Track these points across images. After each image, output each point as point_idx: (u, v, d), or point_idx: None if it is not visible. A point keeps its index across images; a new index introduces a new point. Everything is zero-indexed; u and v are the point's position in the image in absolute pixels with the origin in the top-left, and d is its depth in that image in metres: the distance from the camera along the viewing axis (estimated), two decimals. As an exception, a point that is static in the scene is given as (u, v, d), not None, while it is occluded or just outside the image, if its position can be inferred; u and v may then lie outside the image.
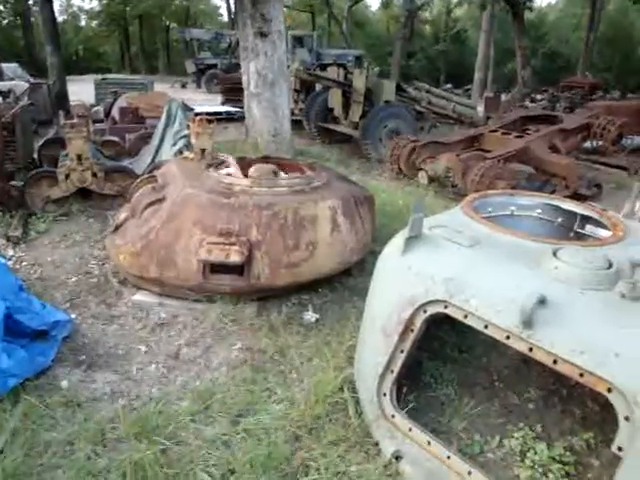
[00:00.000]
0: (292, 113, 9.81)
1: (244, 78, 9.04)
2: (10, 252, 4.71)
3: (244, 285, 3.61)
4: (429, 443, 2.30)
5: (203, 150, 4.83)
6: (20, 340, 3.01)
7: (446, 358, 3.17)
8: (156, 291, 3.83)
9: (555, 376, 2.91)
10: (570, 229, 3.22)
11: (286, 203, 3.68)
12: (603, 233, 2.90)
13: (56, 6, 17.67)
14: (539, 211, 3.30)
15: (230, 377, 3.00)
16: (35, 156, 7.26)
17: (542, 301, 1.93)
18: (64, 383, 2.90)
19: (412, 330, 2.37)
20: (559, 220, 3.25)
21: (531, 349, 1.95)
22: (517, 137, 7.92)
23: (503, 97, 19.49)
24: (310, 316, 3.69)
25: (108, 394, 2.87)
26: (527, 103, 17.56)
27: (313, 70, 11.61)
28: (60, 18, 24.18)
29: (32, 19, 37.42)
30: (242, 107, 11.86)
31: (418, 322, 2.34)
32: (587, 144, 9.41)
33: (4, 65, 14.15)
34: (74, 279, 4.23)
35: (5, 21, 42.02)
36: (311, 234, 3.71)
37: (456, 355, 3.23)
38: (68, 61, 22.87)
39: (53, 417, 2.62)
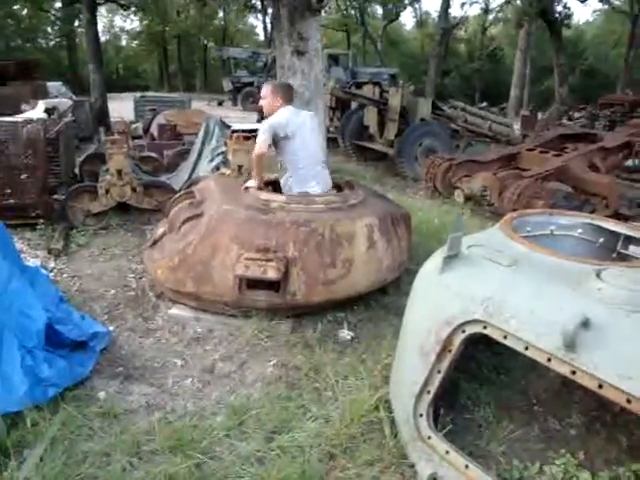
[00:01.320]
0: (327, 131, 9.86)
1: (280, 96, 9.14)
2: (52, 264, 4.83)
3: (280, 301, 3.62)
4: (467, 467, 2.25)
5: (240, 166, 4.91)
6: (60, 350, 3.06)
7: (483, 379, 3.10)
8: (192, 305, 3.87)
9: (598, 401, 2.82)
10: (613, 250, 3.14)
11: (323, 220, 3.68)
12: (648, 254, 2.83)
13: (100, 27, 18.28)
14: (580, 231, 3.22)
15: (265, 393, 3.00)
16: (76, 171, 7.47)
17: (585, 323, 1.88)
18: (101, 394, 2.94)
19: (450, 350, 2.33)
20: (601, 240, 3.17)
21: (574, 372, 1.90)
22: (555, 156, 7.79)
23: (539, 115, 19.27)
24: (345, 334, 3.67)
25: (144, 406, 2.89)
26: (565, 121, 17.32)
27: (349, 88, 11.68)
28: (103, 38, 25.05)
29: (77, 40, 38.84)
30: (277, 124, 12.00)
31: (456, 342, 2.31)
32: (629, 162, 9.20)
33: (49, 84, 14.59)
34: (112, 292, 4.31)
35: (52, 42, 43.59)
36: (347, 251, 3.70)
37: (493, 377, 3.16)
38: (109, 79, 23.56)
39: (91, 427, 2.65)
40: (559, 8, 23.82)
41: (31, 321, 2.92)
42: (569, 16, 24.78)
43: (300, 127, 4.21)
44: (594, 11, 50.22)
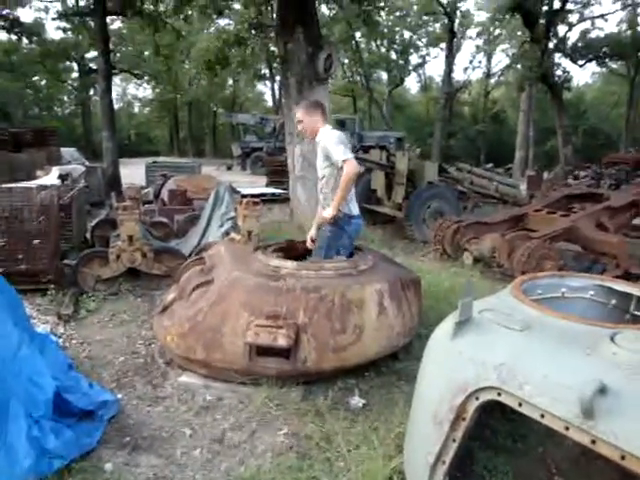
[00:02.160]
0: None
1: (289, 161, 9.35)
2: (61, 330, 4.82)
3: (290, 369, 3.57)
4: (486, 543, 2.16)
5: (250, 232, 4.96)
6: (67, 420, 3.02)
7: (499, 448, 3.01)
8: (202, 373, 3.82)
9: (621, 472, 2.72)
10: (626, 311, 3.11)
11: (333, 286, 3.68)
12: (661, 316, 2.79)
13: (113, 95, 18.99)
14: (591, 293, 3.20)
15: (275, 464, 2.92)
16: (88, 236, 7.57)
17: (603, 389, 1.84)
18: (108, 466, 2.87)
19: (464, 418, 2.27)
20: (613, 302, 3.14)
21: (594, 442, 1.84)
22: (563, 216, 7.83)
23: (545, 175, 19.52)
24: (357, 401, 3.60)
25: (152, 479, 2.82)
26: (571, 180, 17.52)
27: (356, 152, 11.89)
28: (116, 106, 26.01)
29: (91, 107, 40.32)
30: (285, 189, 12.19)
31: (470, 410, 2.25)
32: (636, 221, 9.23)
33: (63, 149, 15.02)
34: (121, 359, 4.28)
35: (67, 110, 45.25)
36: (358, 317, 3.67)
37: (509, 444, 3.07)
38: (121, 145, 24.25)
39: (96, 503, 2.58)
40: (559, 72, 24.54)
41: (40, 390, 2.90)
42: (569, 80, 25.44)
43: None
44: (593, 73, 51.66)
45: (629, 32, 29.93)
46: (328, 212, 4.23)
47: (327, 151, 4.18)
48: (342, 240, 4.32)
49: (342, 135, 4.24)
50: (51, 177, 8.47)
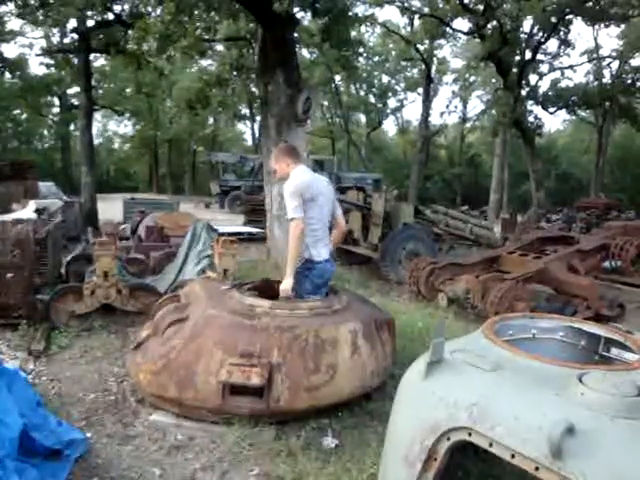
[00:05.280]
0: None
1: (267, 201, 9.42)
2: (31, 366, 4.74)
3: (263, 408, 3.55)
4: None
5: (226, 270, 4.96)
6: (33, 459, 2.95)
7: (471, 489, 3.01)
8: (174, 411, 3.77)
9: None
10: (595, 352, 3.16)
11: (307, 325, 3.70)
12: (629, 356, 2.85)
13: (94, 130, 19.05)
14: (561, 334, 3.25)
15: (246, 506, 2.88)
16: (62, 271, 7.48)
17: (570, 429, 1.87)
18: (73, 508, 2.80)
19: (435, 459, 2.28)
20: (582, 343, 3.20)
21: (564, 482, 1.86)
22: (535, 258, 7.98)
23: (519, 218, 19.90)
24: (329, 441, 3.58)
25: (119, 522, 2.76)
26: (543, 223, 17.89)
27: (333, 193, 12.01)
28: (96, 141, 25.98)
29: (71, 142, 40.22)
30: (263, 228, 12.24)
31: (442, 450, 2.26)
32: (606, 264, 9.43)
33: (41, 184, 14.95)
34: (92, 396, 4.20)
35: (47, 144, 45.08)
36: (332, 357, 3.69)
37: (482, 486, 3.07)
38: (99, 180, 24.14)
39: None
40: (531, 119, 25.31)
41: (5, 428, 2.82)
42: (540, 126, 26.24)
43: (320, 192, 4.33)
44: (564, 120, 53.24)
45: (595, 83, 31.21)
46: (286, 284, 4.13)
47: (285, 201, 4.29)
48: (304, 285, 4.31)
49: (301, 184, 4.22)
50: (27, 211, 8.43)
